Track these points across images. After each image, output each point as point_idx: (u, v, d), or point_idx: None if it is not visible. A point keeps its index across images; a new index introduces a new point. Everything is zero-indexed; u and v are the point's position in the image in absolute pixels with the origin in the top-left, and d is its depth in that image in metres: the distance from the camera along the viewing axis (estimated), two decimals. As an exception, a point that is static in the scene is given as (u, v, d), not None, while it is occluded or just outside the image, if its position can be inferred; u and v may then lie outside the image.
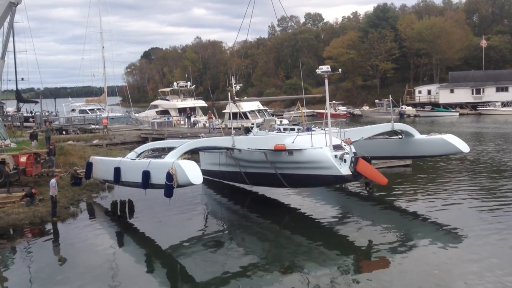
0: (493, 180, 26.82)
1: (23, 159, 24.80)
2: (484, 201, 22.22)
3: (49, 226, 20.35)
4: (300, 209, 22.71)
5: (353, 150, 20.18)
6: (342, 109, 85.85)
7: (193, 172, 17.72)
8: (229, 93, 25.05)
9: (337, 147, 20.30)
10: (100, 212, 23.05)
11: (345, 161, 19.66)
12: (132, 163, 21.24)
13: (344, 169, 19.54)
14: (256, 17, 31.81)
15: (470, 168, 30.54)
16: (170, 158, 19.10)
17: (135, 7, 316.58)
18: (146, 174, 19.16)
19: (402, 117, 73.52)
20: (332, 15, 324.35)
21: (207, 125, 48.48)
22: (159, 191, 19.40)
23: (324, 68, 21.45)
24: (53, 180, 21.20)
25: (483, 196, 23.23)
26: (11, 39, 52.57)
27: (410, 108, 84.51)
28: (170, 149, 21.67)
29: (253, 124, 41.08)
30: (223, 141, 21.66)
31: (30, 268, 16.13)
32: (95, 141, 43.63)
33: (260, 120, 29.34)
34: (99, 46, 71.00)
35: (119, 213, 22.22)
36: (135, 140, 45.66)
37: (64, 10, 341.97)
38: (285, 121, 42.06)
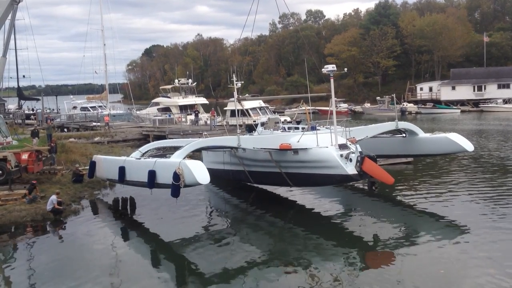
0: (496, 177, 26.72)
1: (24, 156, 24.76)
2: (488, 198, 22.09)
3: (50, 223, 20.30)
4: (304, 205, 22.71)
5: (359, 149, 20.08)
6: (344, 106, 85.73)
7: (200, 172, 17.61)
8: (234, 92, 24.90)
9: (342, 147, 20.22)
10: (102, 209, 22.98)
11: (351, 160, 19.57)
12: (137, 162, 21.16)
13: (350, 169, 19.44)
14: (258, 14, 31.90)
15: (473, 165, 30.45)
16: (176, 157, 19.00)
17: (138, 5, 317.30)
18: (152, 174, 19.05)
19: (403, 114, 73.41)
20: (334, 12, 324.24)
21: (208, 122, 48.46)
22: (161, 189, 19.38)
23: (330, 67, 21.32)
24: (53, 197, 20.96)
25: (487, 193, 23.11)
26: (12, 36, 52.49)
27: (411, 105, 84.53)
28: (175, 148, 21.59)
29: (254, 121, 41.10)
30: (229, 140, 21.60)
31: (32, 265, 16.06)
32: (96, 139, 43.54)
33: (264, 119, 29.24)
34: (101, 44, 71.01)
35: (121, 210, 22.14)
36: (137, 138, 45.61)
37: (67, 8, 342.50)
38: (287, 118, 41.98)
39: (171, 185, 17.87)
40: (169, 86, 68.27)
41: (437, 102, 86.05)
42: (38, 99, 73.68)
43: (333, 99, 21.82)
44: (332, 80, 21.57)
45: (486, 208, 20.51)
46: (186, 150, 19.75)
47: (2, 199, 21.84)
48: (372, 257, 16.07)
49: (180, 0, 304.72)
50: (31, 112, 68.32)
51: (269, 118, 28.63)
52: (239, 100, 28.14)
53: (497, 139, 42.89)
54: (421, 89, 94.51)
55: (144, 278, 14.78)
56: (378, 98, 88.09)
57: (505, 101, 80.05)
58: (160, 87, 78.32)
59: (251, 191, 25.57)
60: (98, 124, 54.06)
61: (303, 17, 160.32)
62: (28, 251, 17.54)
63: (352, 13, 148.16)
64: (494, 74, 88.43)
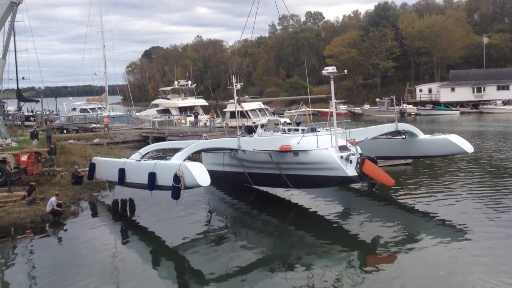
0: (495, 178, 26.73)
1: (24, 158, 24.71)
2: (488, 199, 22.09)
3: (50, 225, 20.27)
4: (304, 206, 22.73)
5: (359, 151, 20.09)
6: (343, 107, 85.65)
7: (200, 174, 17.59)
8: (234, 93, 24.91)
9: (342, 148, 20.25)
10: (101, 210, 22.95)
11: (351, 162, 19.58)
12: (137, 164, 21.12)
13: (350, 170, 19.45)
14: (257, 16, 31.97)
15: (472, 166, 30.45)
16: (176, 159, 18.99)
17: (137, 6, 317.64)
18: (152, 176, 19.03)
19: (403, 116, 73.49)
20: (333, 13, 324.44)
21: (207, 124, 48.46)
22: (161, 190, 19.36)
23: (330, 69, 21.35)
24: (53, 198, 20.94)
25: (486, 194, 23.12)
26: (12, 38, 52.44)
27: (411, 106, 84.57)
28: (175, 150, 21.56)
29: (254, 122, 41.03)
30: (229, 142, 21.64)
31: (31, 267, 16.06)
32: (96, 140, 43.51)
33: (264, 120, 29.22)
34: (100, 45, 71.05)
35: (120, 212, 22.10)
36: (136, 139, 45.58)
37: (67, 9, 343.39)
38: (287, 120, 41.99)
39: (172, 187, 17.86)
40: (169, 88, 68.28)
41: (436, 104, 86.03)
42: (37, 101, 73.72)
43: (333, 100, 21.81)
44: (332, 82, 21.57)
45: (486, 209, 20.49)
46: (187, 152, 19.73)
47: (2, 200, 21.80)
48: (372, 258, 16.03)
49: (179, 2, 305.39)
50: (31, 113, 68.26)
51: (269, 120, 28.63)
52: (239, 102, 28.13)
53: (496, 141, 42.89)
54: (421, 90, 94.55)
55: (143, 279, 14.75)
56: (377, 99, 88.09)
57: (504, 103, 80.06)
58: (160, 89, 78.38)
59: (250, 193, 25.53)
60: (98, 125, 54.03)
61: (303, 18, 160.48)
62: (27, 252, 17.50)
63: (352, 15, 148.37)
64: (494, 76, 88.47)
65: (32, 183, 22.61)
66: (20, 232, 19.41)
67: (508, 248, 16.03)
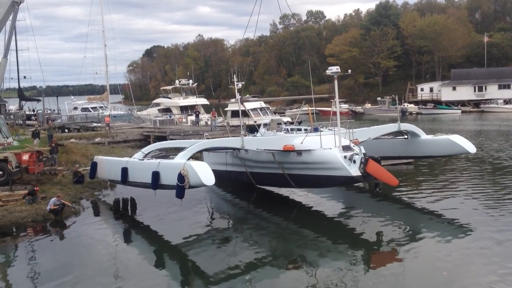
0: (497, 177, 26.67)
1: (25, 157, 24.72)
2: (490, 199, 22.01)
3: (51, 224, 20.23)
4: (306, 205, 22.68)
5: (363, 151, 20.04)
6: (344, 106, 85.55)
7: (205, 173, 17.60)
8: (236, 93, 24.87)
9: (346, 148, 20.20)
10: (103, 210, 22.90)
11: (354, 162, 19.54)
12: (140, 163, 21.08)
13: (354, 170, 19.41)
14: (259, 15, 32.14)
15: (473, 165, 30.38)
16: (180, 158, 18.98)
17: (139, 5, 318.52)
18: (155, 175, 19.01)
19: (404, 115, 73.45)
20: (334, 12, 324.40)
21: (209, 123, 48.42)
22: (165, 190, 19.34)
23: (334, 69, 21.30)
24: (53, 199, 20.90)
25: (489, 194, 23.05)
26: (13, 37, 52.40)
27: (412, 105, 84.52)
28: (177, 149, 21.51)
29: (255, 122, 40.96)
30: (232, 141, 21.63)
31: (34, 266, 16.01)
32: (97, 139, 43.49)
33: (266, 120, 29.16)
34: (102, 44, 71.06)
35: (121, 211, 22.06)
36: (137, 138, 45.58)
37: (69, 9, 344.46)
38: (289, 119, 41.93)
39: (176, 186, 17.85)
40: (170, 87, 68.22)
41: (437, 103, 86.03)
42: (39, 100, 73.66)
43: (337, 100, 21.73)
44: (336, 82, 21.50)
45: (490, 209, 20.41)
46: (190, 151, 19.70)
47: (3, 199, 21.78)
48: (375, 257, 15.99)
49: (181, 1, 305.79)
50: (32, 113, 68.29)
51: (271, 119, 28.57)
52: (241, 101, 28.06)
53: (498, 140, 42.81)
54: (422, 89, 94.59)
55: (145, 278, 14.69)
56: (378, 98, 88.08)
57: (506, 102, 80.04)
58: (161, 88, 78.29)
59: (253, 192, 25.48)
60: (99, 124, 54.04)
61: (304, 17, 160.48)
62: (29, 251, 17.48)
63: (353, 14, 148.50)
64: (495, 75, 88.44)
65: (36, 188, 22.50)
66: (21, 231, 19.39)
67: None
